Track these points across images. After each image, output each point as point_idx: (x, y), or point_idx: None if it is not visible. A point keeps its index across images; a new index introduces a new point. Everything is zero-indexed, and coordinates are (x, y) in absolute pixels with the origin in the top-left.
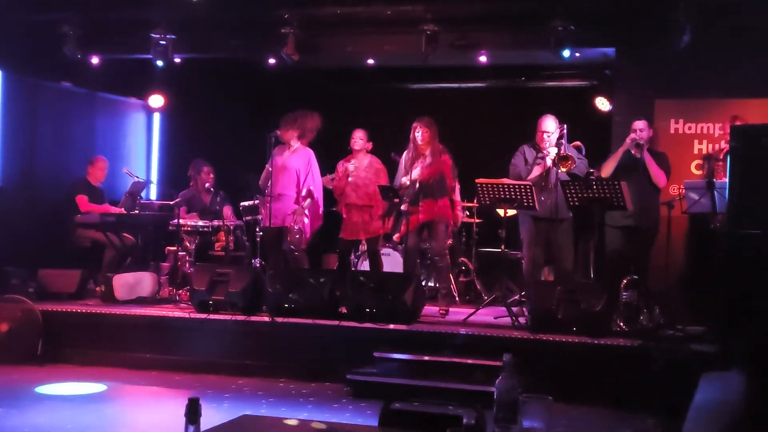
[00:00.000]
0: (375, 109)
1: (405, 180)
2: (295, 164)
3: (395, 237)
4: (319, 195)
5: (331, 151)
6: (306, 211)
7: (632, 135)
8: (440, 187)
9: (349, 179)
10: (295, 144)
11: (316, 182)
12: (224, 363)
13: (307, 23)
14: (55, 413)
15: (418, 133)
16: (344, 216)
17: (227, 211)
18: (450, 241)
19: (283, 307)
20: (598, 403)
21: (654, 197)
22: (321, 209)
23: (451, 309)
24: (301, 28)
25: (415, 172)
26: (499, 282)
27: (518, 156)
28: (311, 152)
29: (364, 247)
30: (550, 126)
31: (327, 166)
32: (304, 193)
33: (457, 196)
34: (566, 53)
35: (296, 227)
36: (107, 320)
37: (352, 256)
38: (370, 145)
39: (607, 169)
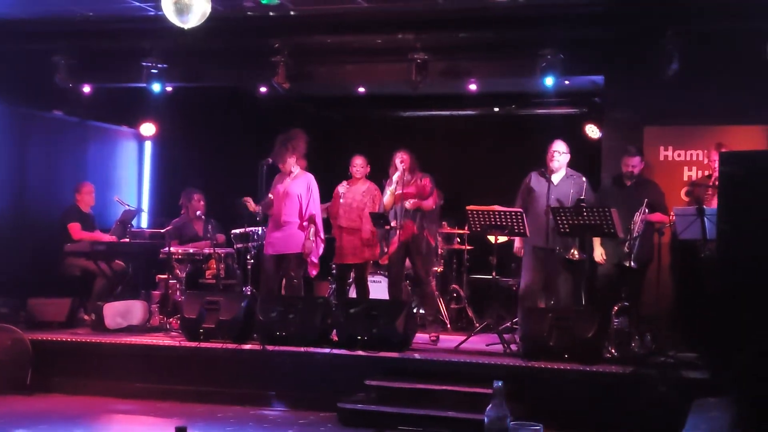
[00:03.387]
0: (366, 136)
1: (385, 199)
2: (297, 190)
3: (381, 260)
4: (319, 220)
5: (324, 178)
6: (313, 239)
7: (628, 170)
8: (420, 212)
9: (341, 201)
10: (296, 170)
11: (316, 207)
12: (215, 391)
13: (297, 52)
14: None
15: (398, 160)
16: (336, 240)
17: (221, 238)
18: (440, 268)
19: (274, 335)
20: (590, 430)
21: (648, 227)
22: (322, 233)
23: (442, 336)
24: (291, 56)
25: (387, 198)
26: (491, 309)
27: (522, 185)
28: (311, 177)
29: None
30: (560, 146)
31: (321, 192)
32: (306, 218)
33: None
34: (549, 82)
35: (297, 254)
36: (98, 349)
37: None
38: (368, 170)
39: None
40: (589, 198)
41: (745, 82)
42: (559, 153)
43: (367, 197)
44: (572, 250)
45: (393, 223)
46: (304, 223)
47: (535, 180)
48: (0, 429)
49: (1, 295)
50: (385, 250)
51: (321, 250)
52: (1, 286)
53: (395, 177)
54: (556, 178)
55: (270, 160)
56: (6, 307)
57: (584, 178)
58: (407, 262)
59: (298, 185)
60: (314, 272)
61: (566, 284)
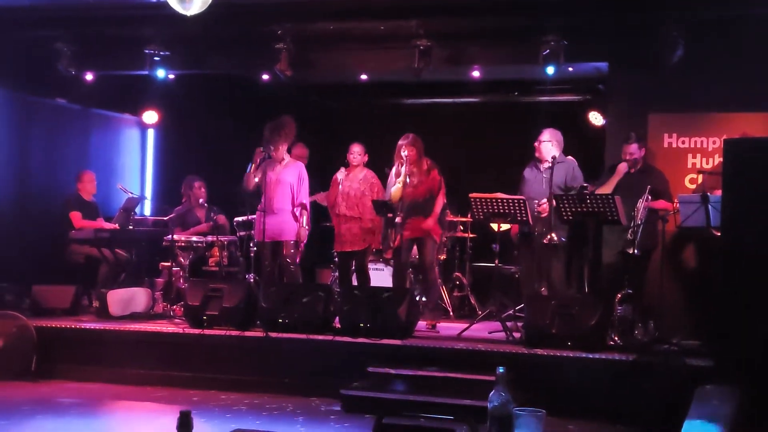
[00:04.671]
0: (369, 124)
1: (394, 190)
2: (289, 178)
3: (386, 254)
4: (308, 207)
5: (326, 166)
6: (307, 226)
7: (626, 157)
8: (429, 206)
9: (340, 187)
10: (286, 158)
11: (307, 195)
12: (218, 378)
13: (299, 39)
14: (46, 428)
15: (404, 153)
16: (335, 228)
17: (221, 219)
18: (443, 256)
19: (276, 322)
20: (592, 417)
21: (651, 214)
22: (309, 221)
23: (445, 324)
24: (293, 43)
25: (396, 189)
26: (493, 297)
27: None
28: (302, 165)
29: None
30: (544, 136)
31: (322, 180)
32: (298, 205)
33: (438, 209)
34: (551, 70)
35: (291, 241)
36: (101, 336)
37: None
38: (366, 158)
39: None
40: (579, 180)
41: (751, 69)
42: (540, 142)
43: (365, 185)
44: (549, 235)
45: (398, 219)
46: (296, 211)
47: (528, 169)
48: (5, 415)
49: (6, 282)
50: (391, 244)
51: (306, 237)
52: (5, 273)
53: (403, 170)
54: (545, 166)
55: (272, 154)
56: (10, 294)
57: (570, 159)
58: (414, 248)
59: (290, 174)
60: (297, 258)
61: (555, 269)
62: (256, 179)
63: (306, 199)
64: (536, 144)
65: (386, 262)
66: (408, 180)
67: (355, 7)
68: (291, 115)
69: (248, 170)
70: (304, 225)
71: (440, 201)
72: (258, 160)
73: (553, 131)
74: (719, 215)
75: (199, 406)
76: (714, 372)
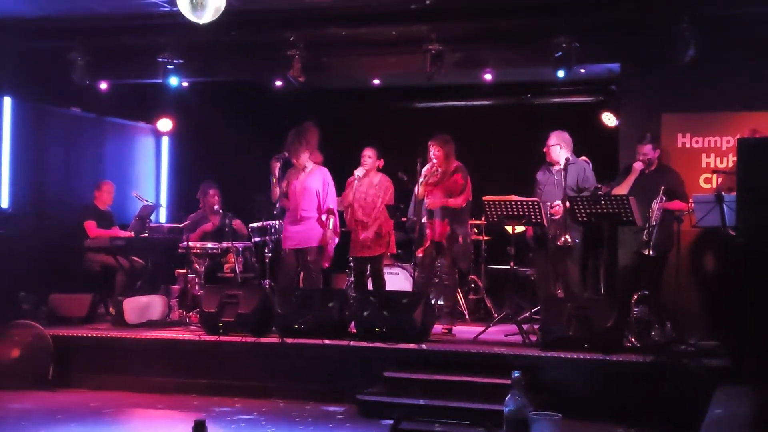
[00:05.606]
0: (381, 128)
1: (416, 189)
2: (314, 185)
3: (418, 252)
4: (336, 212)
5: (340, 171)
6: (333, 230)
7: (640, 158)
8: (444, 208)
9: (356, 183)
10: (309, 165)
11: (333, 200)
12: (234, 385)
13: (312, 45)
14: None
15: (431, 153)
16: (352, 233)
17: (237, 224)
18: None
19: (292, 328)
20: (609, 420)
21: (667, 215)
22: (338, 226)
23: (461, 327)
24: (306, 49)
25: (417, 188)
26: (509, 299)
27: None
28: (326, 170)
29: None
30: (551, 140)
31: (336, 186)
32: (325, 211)
33: (453, 202)
34: (561, 74)
35: (315, 247)
36: (118, 344)
37: None
38: (381, 162)
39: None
40: (591, 181)
41: (764, 67)
42: (549, 147)
43: (381, 190)
44: (563, 237)
45: (424, 219)
46: (323, 217)
47: (540, 172)
48: (23, 423)
49: (23, 291)
50: (424, 242)
51: (336, 242)
52: (22, 282)
53: (424, 170)
54: (557, 168)
55: (286, 154)
56: (27, 302)
57: (581, 160)
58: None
59: (315, 180)
60: (326, 264)
61: (570, 271)
62: (282, 188)
63: (333, 204)
64: (545, 149)
65: (401, 266)
66: (425, 179)
67: (366, 12)
68: (304, 119)
69: (271, 182)
70: (331, 228)
71: (458, 199)
72: (277, 171)
73: (559, 133)
74: (734, 215)
75: (215, 413)
76: (732, 373)
